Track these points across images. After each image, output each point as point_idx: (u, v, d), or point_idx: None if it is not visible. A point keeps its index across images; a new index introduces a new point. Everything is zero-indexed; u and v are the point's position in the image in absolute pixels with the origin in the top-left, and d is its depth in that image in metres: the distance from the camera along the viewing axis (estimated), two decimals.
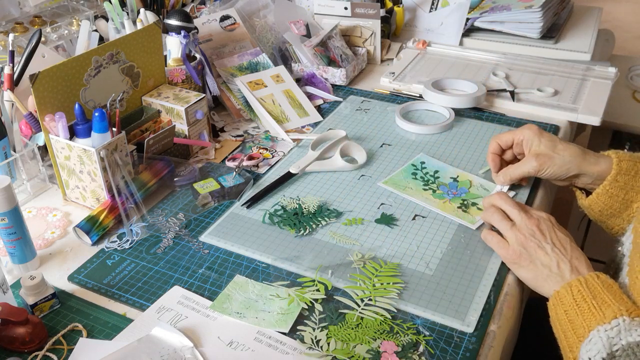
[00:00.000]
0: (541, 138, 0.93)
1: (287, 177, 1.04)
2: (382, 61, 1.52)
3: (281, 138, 1.18)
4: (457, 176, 1.04)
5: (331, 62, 1.40)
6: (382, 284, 0.81)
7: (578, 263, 0.77)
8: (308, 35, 1.43)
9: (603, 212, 0.92)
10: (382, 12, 1.52)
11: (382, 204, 0.98)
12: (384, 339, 0.73)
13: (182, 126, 1.09)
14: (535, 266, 0.79)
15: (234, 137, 1.20)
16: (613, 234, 0.93)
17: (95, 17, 1.30)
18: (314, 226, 0.92)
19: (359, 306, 0.78)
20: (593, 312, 0.70)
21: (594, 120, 1.21)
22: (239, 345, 0.73)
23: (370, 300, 0.78)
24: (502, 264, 0.85)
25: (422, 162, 1.08)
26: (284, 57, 1.41)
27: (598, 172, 0.89)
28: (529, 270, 0.79)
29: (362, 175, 1.05)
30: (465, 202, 0.97)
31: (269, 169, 1.08)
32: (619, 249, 0.85)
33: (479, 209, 0.95)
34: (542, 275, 0.78)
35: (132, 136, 1.03)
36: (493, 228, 0.86)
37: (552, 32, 1.51)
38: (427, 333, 0.74)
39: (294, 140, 1.17)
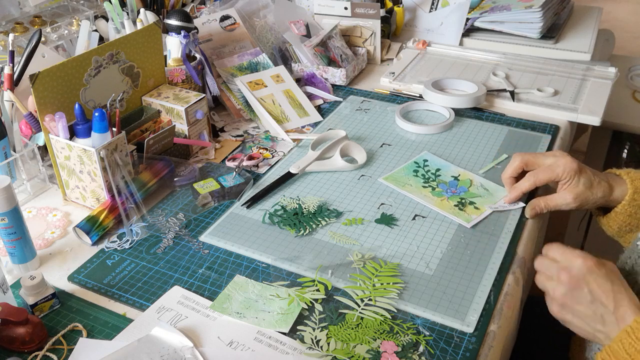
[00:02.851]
0: (580, 177, 0.90)
1: (287, 177, 1.04)
2: (382, 61, 1.52)
3: (281, 138, 1.18)
4: (459, 175, 1.04)
5: (331, 62, 1.40)
6: (382, 284, 0.81)
7: (623, 310, 0.71)
8: (308, 35, 1.43)
9: (621, 229, 0.93)
10: (382, 12, 1.52)
11: (382, 204, 0.98)
12: (384, 339, 0.73)
13: (182, 126, 1.09)
14: (581, 320, 0.75)
15: (234, 137, 1.20)
16: (626, 245, 0.94)
17: (95, 17, 1.30)
18: (314, 226, 0.92)
19: (359, 306, 0.78)
20: None
21: (594, 120, 1.21)
22: (239, 345, 0.73)
23: (370, 300, 0.78)
24: (502, 264, 0.85)
25: (425, 160, 1.08)
26: (284, 57, 1.41)
27: (617, 195, 0.91)
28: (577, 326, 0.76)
29: (362, 175, 1.05)
30: (463, 201, 0.97)
31: (269, 169, 1.08)
32: (638, 243, 0.84)
33: (476, 208, 0.95)
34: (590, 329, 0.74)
35: (132, 136, 1.03)
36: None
37: (552, 32, 1.52)
38: (427, 333, 0.74)
39: (294, 140, 1.17)
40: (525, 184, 0.93)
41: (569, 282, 0.74)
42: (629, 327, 0.68)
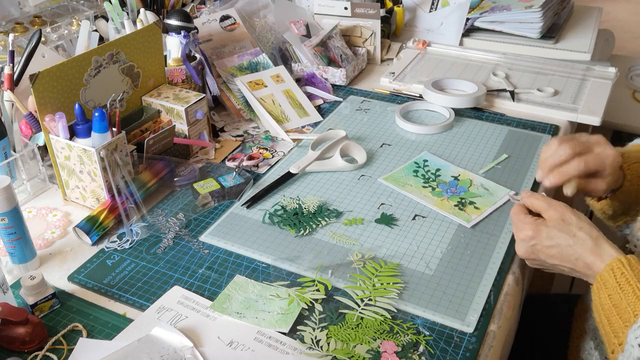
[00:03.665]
0: (616, 170, 0.86)
1: (287, 177, 1.04)
2: (382, 61, 1.52)
3: (281, 138, 1.18)
4: (459, 175, 1.04)
5: (331, 62, 1.40)
6: (382, 284, 0.81)
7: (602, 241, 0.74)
8: (308, 35, 1.43)
9: (617, 213, 0.93)
10: (382, 12, 1.52)
11: (382, 204, 0.98)
12: (384, 339, 0.73)
13: (182, 126, 1.09)
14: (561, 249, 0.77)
15: (234, 137, 1.20)
16: (615, 227, 0.96)
17: (95, 17, 1.30)
18: (314, 226, 0.92)
19: (359, 306, 0.78)
20: (639, 296, 0.68)
21: (594, 120, 1.21)
22: (239, 345, 0.73)
23: (370, 300, 0.78)
24: (502, 264, 0.85)
25: (425, 160, 1.08)
26: (284, 57, 1.41)
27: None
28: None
29: (362, 175, 1.05)
30: (463, 201, 0.97)
31: (269, 169, 1.08)
32: (626, 245, 0.86)
33: (476, 207, 0.95)
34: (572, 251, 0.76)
35: (132, 136, 1.03)
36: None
37: (552, 32, 1.51)
38: (427, 333, 0.74)
39: (294, 140, 1.17)
40: (573, 168, 0.83)
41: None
42: (623, 257, 0.71)
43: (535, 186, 1.02)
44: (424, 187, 1.01)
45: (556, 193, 0.82)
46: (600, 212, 0.95)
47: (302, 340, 0.73)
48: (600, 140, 0.86)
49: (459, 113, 1.23)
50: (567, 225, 0.76)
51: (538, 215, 0.80)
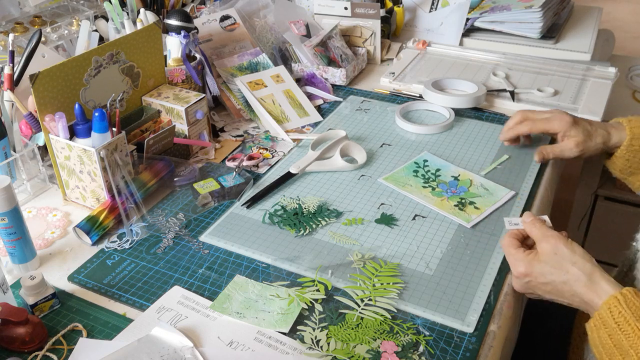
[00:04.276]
0: (577, 128, 0.99)
1: (287, 177, 1.04)
2: (382, 61, 1.52)
3: (281, 138, 1.18)
4: (459, 175, 1.04)
5: (331, 62, 1.40)
6: (382, 284, 0.81)
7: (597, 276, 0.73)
8: (308, 35, 1.43)
9: (623, 171, 1.01)
10: (382, 12, 1.52)
11: (382, 204, 0.98)
12: (384, 339, 0.73)
13: (182, 126, 1.09)
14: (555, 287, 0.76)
15: (234, 137, 1.20)
16: (635, 189, 1.03)
17: (95, 17, 1.30)
18: (314, 226, 0.92)
19: (359, 306, 0.78)
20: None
21: (594, 120, 1.20)
22: (239, 345, 0.73)
23: (370, 300, 0.78)
24: (502, 264, 0.85)
25: (425, 160, 1.08)
26: (284, 57, 1.41)
27: (616, 141, 0.99)
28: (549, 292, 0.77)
29: (362, 175, 1.05)
30: (463, 201, 0.97)
31: (269, 169, 1.08)
32: (633, 244, 0.85)
33: (476, 207, 0.95)
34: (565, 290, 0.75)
35: (132, 136, 1.03)
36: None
37: (552, 32, 1.51)
38: (427, 333, 0.74)
39: (294, 140, 1.17)
40: (523, 128, 1.04)
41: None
42: (619, 294, 0.69)
43: (534, 186, 1.02)
44: (424, 187, 1.01)
45: (555, 226, 0.82)
46: (611, 169, 1.03)
47: (302, 340, 0.73)
48: (553, 111, 1.04)
49: (459, 113, 1.23)
50: (561, 260, 0.74)
51: (533, 242, 0.80)
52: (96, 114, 0.90)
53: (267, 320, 0.75)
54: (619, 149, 0.98)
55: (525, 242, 0.81)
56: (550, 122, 1.01)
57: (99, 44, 1.16)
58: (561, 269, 0.74)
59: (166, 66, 1.16)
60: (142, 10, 1.21)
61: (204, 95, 1.11)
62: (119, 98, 0.97)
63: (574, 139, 0.99)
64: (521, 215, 0.94)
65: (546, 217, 0.82)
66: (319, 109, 1.29)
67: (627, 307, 0.68)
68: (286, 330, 0.74)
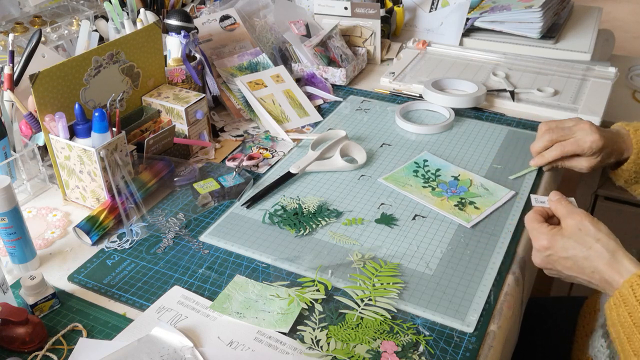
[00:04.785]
0: (601, 153, 0.97)
1: (287, 177, 1.04)
2: (382, 61, 1.52)
3: (281, 138, 1.18)
4: (459, 175, 1.04)
5: (331, 62, 1.40)
6: (382, 284, 0.81)
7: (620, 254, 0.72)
8: (308, 35, 1.43)
9: (628, 182, 1.01)
10: (382, 12, 1.52)
11: (382, 204, 0.98)
12: (384, 339, 0.73)
13: (182, 126, 1.09)
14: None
15: (234, 137, 1.20)
16: (637, 195, 1.03)
17: (95, 17, 1.30)
18: (314, 226, 0.92)
19: (359, 306, 0.78)
20: None
21: (594, 120, 1.20)
22: (239, 345, 0.73)
23: (370, 300, 0.78)
24: (502, 264, 0.85)
25: (425, 160, 1.08)
26: (284, 57, 1.41)
27: (625, 156, 0.99)
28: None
29: (362, 175, 1.05)
30: (463, 201, 0.97)
31: (269, 169, 1.08)
32: None
33: (476, 207, 0.95)
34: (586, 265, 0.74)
35: (132, 136, 1.03)
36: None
37: (552, 32, 1.51)
38: (427, 333, 0.74)
39: (294, 140, 1.17)
40: (552, 153, 1.00)
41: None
42: None
43: (534, 186, 1.02)
44: (424, 187, 1.01)
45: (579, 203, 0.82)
46: (616, 179, 1.03)
47: (302, 340, 0.73)
48: (584, 127, 0.97)
49: (459, 113, 1.23)
50: (584, 236, 0.74)
51: (557, 221, 0.79)
52: (96, 114, 0.90)
53: (267, 320, 0.75)
54: (626, 163, 0.98)
55: (550, 221, 0.80)
56: (581, 145, 0.97)
57: (99, 44, 1.16)
58: (584, 244, 0.73)
59: (166, 66, 1.16)
60: (142, 10, 1.21)
61: (204, 95, 1.11)
62: (119, 98, 0.97)
63: (592, 162, 0.98)
64: (523, 213, 0.95)
65: (572, 199, 0.81)
66: (319, 109, 1.29)
67: None
68: (286, 330, 0.74)
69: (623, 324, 0.69)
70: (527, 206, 0.97)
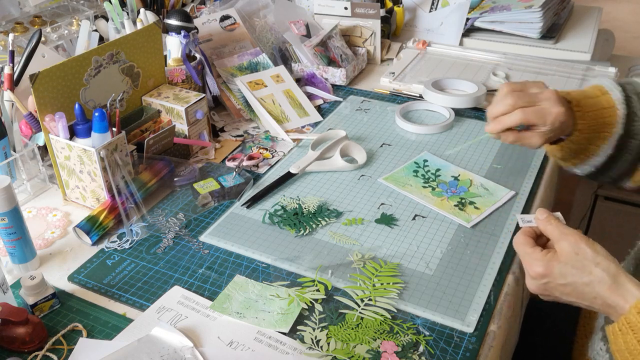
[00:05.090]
0: (560, 129, 0.87)
1: (287, 177, 1.04)
2: (382, 61, 1.52)
3: (281, 138, 1.18)
4: (459, 175, 1.04)
5: (331, 62, 1.40)
6: (382, 284, 0.81)
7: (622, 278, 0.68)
8: (308, 35, 1.43)
9: (565, 158, 0.93)
10: (382, 12, 1.52)
11: (382, 204, 0.98)
12: (384, 339, 0.73)
13: (182, 126, 1.09)
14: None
15: (234, 137, 1.20)
16: (565, 167, 0.95)
17: (95, 17, 1.30)
18: (314, 226, 0.92)
19: (359, 306, 0.78)
20: None
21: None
22: (239, 345, 0.73)
23: (370, 300, 0.78)
24: (502, 264, 0.85)
25: (425, 160, 1.08)
26: (284, 57, 1.41)
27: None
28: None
29: (362, 175, 1.05)
30: (463, 201, 0.97)
31: (269, 169, 1.08)
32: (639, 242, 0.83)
33: (476, 207, 0.95)
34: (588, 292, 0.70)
35: (132, 136, 1.03)
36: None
37: (552, 32, 1.51)
38: (427, 333, 0.74)
39: (294, 140, 1.17)
40: (512, 119, 0.86)
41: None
42: None
43: (534, 186, 1.02)
44: (424, 187, 1.01)
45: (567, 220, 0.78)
46: (551, 154, 0.94)
47: (302, 340, 0.73)
48: (550, 96, 0.86)
49: (459, 113, 1.23)
50: (582, 260, 0.69)
51: (546, 239, 0.74)
52: (96, 114, 0.90)
53: (267, 320, 0.75)
54: (567, 140, 0.89)
55: (539, 240, 0.75)
56: (545, 117, 0.85)
57: (99, 44, 1.16)
58: (584, 270, 0.68)
59: (166, 66, 1.16)
60: (142, 10, 1.21)
61: (204, 95, 1.11)
62: (119, 98, 0.97)
63: (546, 137, 0.87)
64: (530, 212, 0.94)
65: (559, 214, 0.77)
66: (319, 109, 1.29)
67: None
68: (286, 330, 0.74)
69: (632, 351, 0.66)
70: (527, 207, 0.97)
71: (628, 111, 0.89)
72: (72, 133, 0.93)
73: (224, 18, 1.38)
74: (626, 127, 0.90)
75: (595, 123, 0.89)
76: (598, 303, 0.69)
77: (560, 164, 0.96)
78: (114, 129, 0.94)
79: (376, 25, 1.47)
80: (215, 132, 1.20)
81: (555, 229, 0.72)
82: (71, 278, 0.84)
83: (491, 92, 1.29)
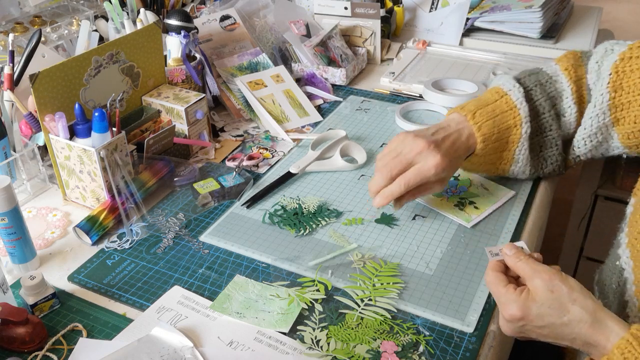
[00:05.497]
0: (446, 169, 0.88)
1: (287, 177, 1.04)
2: (382, 61, 1.52)
3: (281, 138, 1.18)
4: (459, 175, 1.04)
5: (331, 62, 1.40)
6: (382, 284, 0.81)
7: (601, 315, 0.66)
8: (308, 35, 1.43)
9: (481, 168, 0.97)
10: (382, 12, 1.52)
11: None
12: (384, 339, 0.73)
13: (182, 126, 1.09)
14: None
15: (234, 137, 1.20)
16: (500, 172, 0.98)
17: (95, 17, 1.30)
18: (314, 226, 0.92)
19: (359, 306, 0.78)
20: None
21: None
22: (239, 345, 0.73)
23: (370, 300, 0.78)
24: None
25: None
26: (284, 57, 1.41)
27: (472, 142, 0.92)
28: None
29: (362, 175, 1.05)
30: (463, 201, 0.97)
31: (269, 169, 1.08)
32: (617, 263, 0.81)
33: (476, 207, 0.95)
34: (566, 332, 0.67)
35: (132, 136, 1.03)
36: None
37: (552, 32, 1.52)
38: (427, 333, 0.74)
39: (294, 140, 1.17)
40: (396, 189, 0.86)
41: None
42: (629, 335, 0.63)
43: (534, 186, 1.02)
44: None
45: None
46: (469, 171, 0.98)
47: (302, 340, 0.73)
48: (422, 150, 0.86)
49: None
50: (559, 299, 0.66)
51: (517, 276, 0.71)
52: (96, 114, 0.90)
53: (267, 320, 0.76)
54: (474, 154, 0.91)
55: (508, 273, 0.72)
56: (424, 173, 0.86)
57: (99, 44, 1.16)
58: (561, 310, 0.65)
59: (166, 66, 1.16)
60: (142, 10, 1.21)
61: (204, 95, 1.11)
62: (119, 98, 0.97)
63: (443, 180, 0.89)
64: (522, 212, 0.95)
65: (523, 244, 0.73)
66: (319, 108, 1.29)
67: None
68: (286, 330, 0.74)
69: None
70: (527, 207, 0.97)
71: (530, 108, 0.91)
72: (72, 133, 0.93)
73: (224, 18, 1.38)
74: (533, 124, 0.92)
75: (497, 130, 0.91)
76: (578, 343, 0.67)
77: (487, 172, 0.99)
78: (114, 129, 0.94)
79: (376, 25, 1.47)
80: (215, 132, 1.20)
81: (526, 266, 0.69)
82: (71, 278, 0.84)
83: None
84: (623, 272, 0.79)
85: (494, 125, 0.91)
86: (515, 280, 0.71)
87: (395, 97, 1.34)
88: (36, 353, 0.73)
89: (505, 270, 0.72)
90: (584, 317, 0.65)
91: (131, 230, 0.92)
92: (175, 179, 1.03)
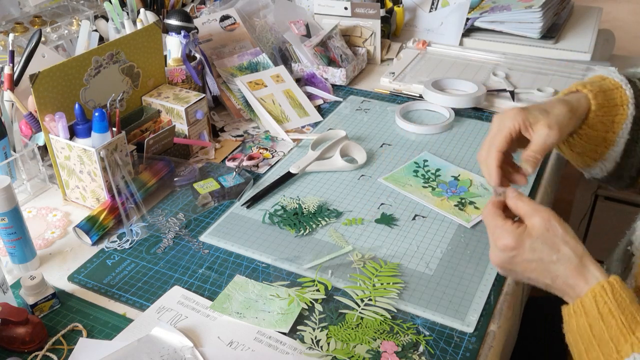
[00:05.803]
0: (530, 112, 0.78)
1: (287, 177, 1.04)
2: (382, 61, 1.52)
3: (281, 138, 1.18)
4: (459, 175, 1.04)
5: (331, 62, 1.40)
6: (382, 284, 0.81)
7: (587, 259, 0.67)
8: (308, 35, 1.43)
9: (581, 153, 0.87)
10: (382, 12, 1.52)
11: (382, 204, 0.98)
12: (384, 339, 0.73)
13: (182, 126, 1.09)
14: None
15: (234, 137, 1.20)
16: (581, 168, 0.89)
17: (95, 17, 1.30)
18: (314, 226, 0.92)
19: (359, 306, 0.78)
20: (624, 334, 0.62)
21: None
22: (239, 345, 0.73)
23: (370, 300, 0.78)
24: None
25: (425, 160, 1.08)
26: (284, 57, 1.41)
27: (585, 106, 0.82)
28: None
29: (362, 175, 1.05)
30: (463, 201, 0.97)
31: (269, 169, 1.08)
32: (628, 248, 0.82)
33: (476, 207, 0.95)
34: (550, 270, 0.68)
35: (132, 136, 1.03)
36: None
37: (552, 32, 1.51)
38: (427, 333, 0.74)
39: (294, 140, 1.17)
40: (495, 160, 0.77)
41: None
42: (605, 282, 0.64)
43: (534, 186, 1.02)
44: (424, 187, 1.01)
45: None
46: (568, 153, 0.88)
47: (302, 340, 0.73)
48: (503, 116, 0.79)
49: (459, 113, 1.23)
50: (552, 237, 0.68)
51: (514, 216, 0.72)
52: (96, 114, 0.90)
53: (267, 320, 0.75)
54: (584, 126, 0.82)
55: (507, 213, 0.73)
56: (504, 130, 0.77)
57: (99, 44, 1.16)
58: (553, 247, 0.67)
59: (166, 66, 1.16)
60: (142, 10, 1.21)
61: (204, 95, 1.11)
62: (119, 98, 0.97)
63: (540, 122, 0.77)
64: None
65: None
66: (319, 109, 1.29)
67: (614, 298, 0.64)
68: (286, 330, 0.74)
69: (582, 335, 0.66)
70: None
71: (635, 90, 0.84)
72: (72, 133, 0.93)
73: (224, 18, 1.38)
74: (638, 107, 0.83)
75: (607, 104, 0.83)
76: (558, 283, 0.68)
77: (578, 164, 0.89)
78: (114, 129, 0.94)
79: (376, 25, 1.47)
80: (215, 132, 1.20)
81: (527, 205, 0.70)
82: (71, 278, 0.84)
83: (491, 92, 1.29)
84: (632, 257, 0.79)
85: (605, 98, 0.82)
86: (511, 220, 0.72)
87: (395, 97, 1.34)
88: (36, 353, 0.73)
89: (504, 210, 0.73)
90: (572, 258, 0.67)
91: (131, 230, 0.92)
92: (175, 179, 1.03)
